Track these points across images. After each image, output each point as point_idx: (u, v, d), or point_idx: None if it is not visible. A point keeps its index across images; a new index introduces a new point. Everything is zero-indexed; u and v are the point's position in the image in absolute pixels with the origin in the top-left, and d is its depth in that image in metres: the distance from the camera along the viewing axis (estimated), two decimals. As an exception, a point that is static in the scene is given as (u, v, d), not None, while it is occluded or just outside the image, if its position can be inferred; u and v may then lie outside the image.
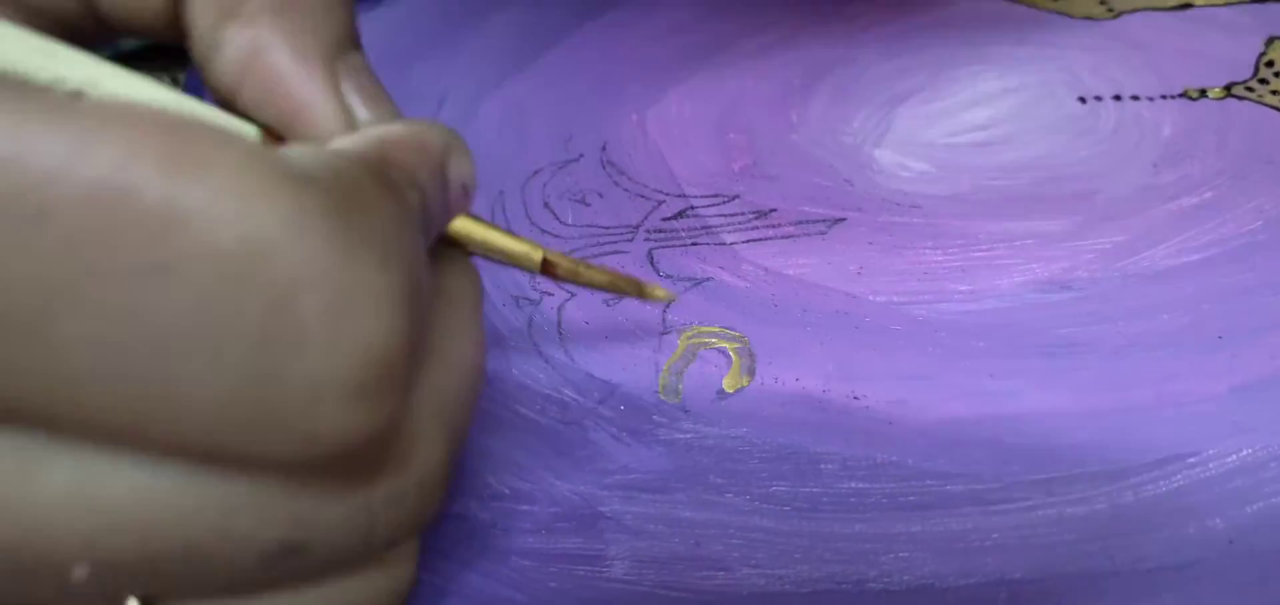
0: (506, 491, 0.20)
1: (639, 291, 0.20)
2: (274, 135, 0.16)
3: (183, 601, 0.12)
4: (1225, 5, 0.30)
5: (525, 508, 0.19)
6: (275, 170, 0.10)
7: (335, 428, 0.11)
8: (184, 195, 0.10)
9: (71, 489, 0.11)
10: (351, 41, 0.17)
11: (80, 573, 0.11)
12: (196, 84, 0.29)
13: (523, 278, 0.24)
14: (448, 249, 0.16)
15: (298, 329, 0.10)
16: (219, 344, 0.10)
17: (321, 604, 0.13)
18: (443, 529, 0.19)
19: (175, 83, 0.33)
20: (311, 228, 0.10)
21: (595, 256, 0.25)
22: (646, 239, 0.25)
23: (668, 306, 0.23)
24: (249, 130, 0.14)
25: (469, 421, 0.15)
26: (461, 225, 0.17)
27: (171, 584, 0.12)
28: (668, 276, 0.24)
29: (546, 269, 0.18)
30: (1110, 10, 0.31)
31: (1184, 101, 0.27)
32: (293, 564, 0.12)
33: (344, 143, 0.14)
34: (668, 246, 0.25)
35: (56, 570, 0.11)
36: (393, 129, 0.15)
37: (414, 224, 0.13)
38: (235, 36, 0.16)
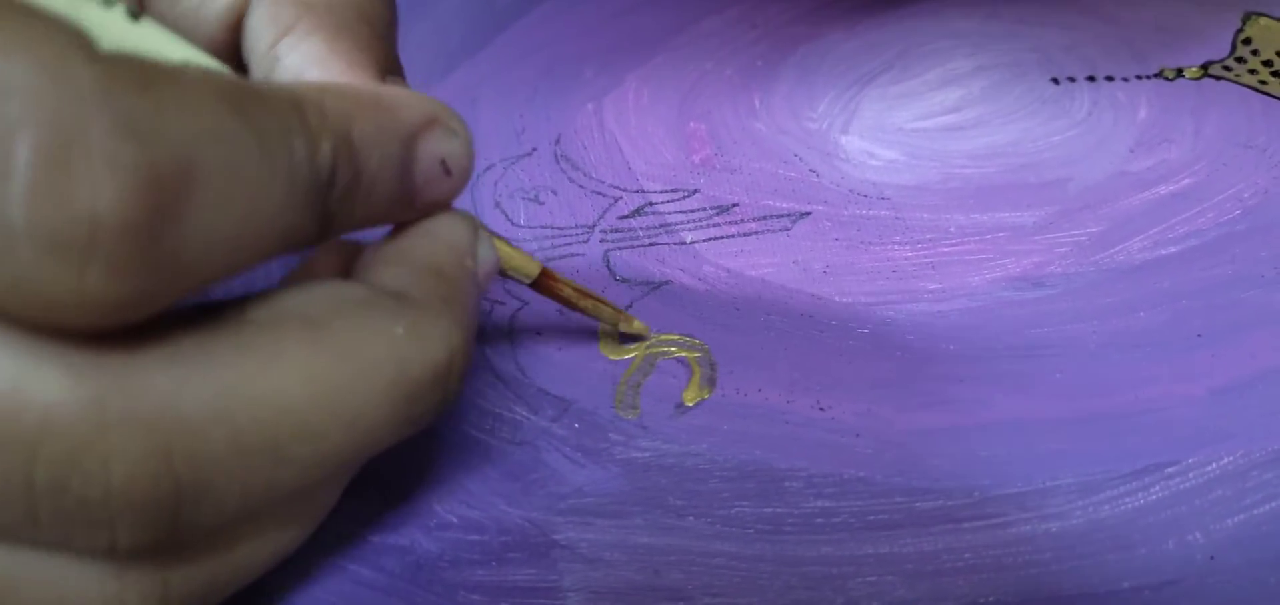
0: (454, 520, 0.19)
1: (618, 321, 0.20)
2: None
3: None
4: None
5: (474, 537, 0.18)
6: (61, 34, 0.11)
7: (30, 280, 0.11)
8: None
9: None
10: (396, 66, 0.18)
11: None
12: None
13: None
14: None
15: (5, 164, 0.10)
16: None
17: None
18: (385, 562, 0.18)
19: None
20: (60, 83, 0.10)
21: (551, 261, 0.23)
22: (603, 240, 0.24)
23: (627, 308, 0.22)
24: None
25: (270, 494, 0.13)
26: None
27: None
28: (624, 280, 0.23)
29: (540, 283, 0.19)
30: (1083, -17, 0.29)
31: (1160, 82, 0.26)
32: None
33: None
34: (624, 247, 0.24)
35: None
36: (356, 86, 0.15)
37: (277, 164, 0.12)
38: (291, 53, 0.16)
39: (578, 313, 0.20)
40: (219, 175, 0.12)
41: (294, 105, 0.13)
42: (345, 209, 0.14)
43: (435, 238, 0.16)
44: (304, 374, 0.13)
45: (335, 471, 0.14)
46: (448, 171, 0.16)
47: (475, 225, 0.17)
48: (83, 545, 0.12)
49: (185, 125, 0.11)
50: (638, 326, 0.21)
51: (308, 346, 0.13)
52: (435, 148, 0.15)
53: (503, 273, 0.18)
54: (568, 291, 0.19)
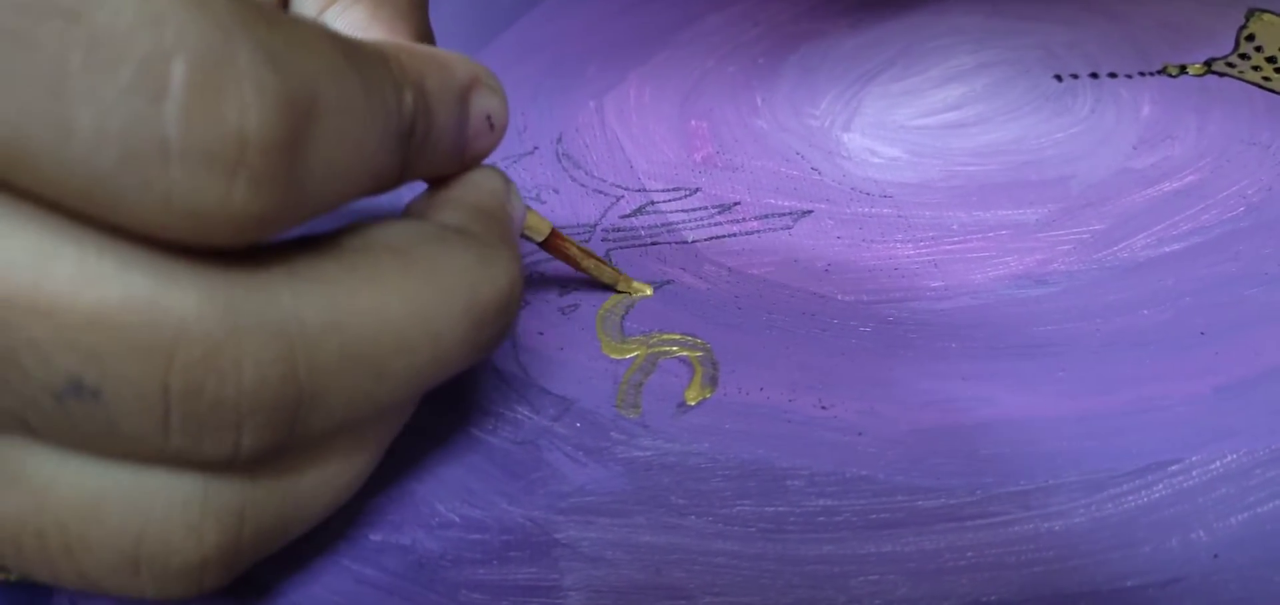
0: (457, 519, 0.19)
1: (619, 283, 0.22)
2: None
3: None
4: (1205, -27, 0.29)
5: (476, 536, 0.18)
6: None
7: (181, 194, 0.11)
8: None
9: None
10: (429, 34, 0.19)
11: None
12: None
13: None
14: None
15: (161, 84, 0.11)
16: (100, 83, 0.11)
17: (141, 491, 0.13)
18: (387, 561, 0.18)
19: None
20: (206, 13, 0.11)
21: (548, 259, 0.23)
22: (604, 239, 0.24)
23: (629, 308, 0.22)
24: None
25: (370, 406, 0.14)
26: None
27: None
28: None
29: (549, 242, 0.20)
30: (1086, -20, 0.29)
31: (1163, 79, 0.26)
32: (87, 412, 0.12)
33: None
34: (626, 246, 0.24)
35: None
36: (420, 46, 0.16)
37: (377, 107, 0.14)
38: (337, 21, 0.18)
39: (583, 274, 0.21)
40: (336, 109, 0.13)
41: (382, 57, 0.14)
42: (419, 155, 0.15)
43: (480, 186, 0.18)
44: (400, 293, 0.14)
45: (415, 392, 0.15)
46: (491, 126, 0.17)
47: (507, 178, 0.18)
48: (209, 451, 0.13)
49: (310, 60, 0.12)
50: (638, 287, 0.22)
51: (400, 270, 0.14)
52: (483, 104, 0.17)
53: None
54: (574, 252, 0.21)
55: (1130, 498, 0.18)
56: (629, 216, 0.24)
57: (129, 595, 0.14)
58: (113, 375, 0.12)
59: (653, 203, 0.25)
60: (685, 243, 0.23)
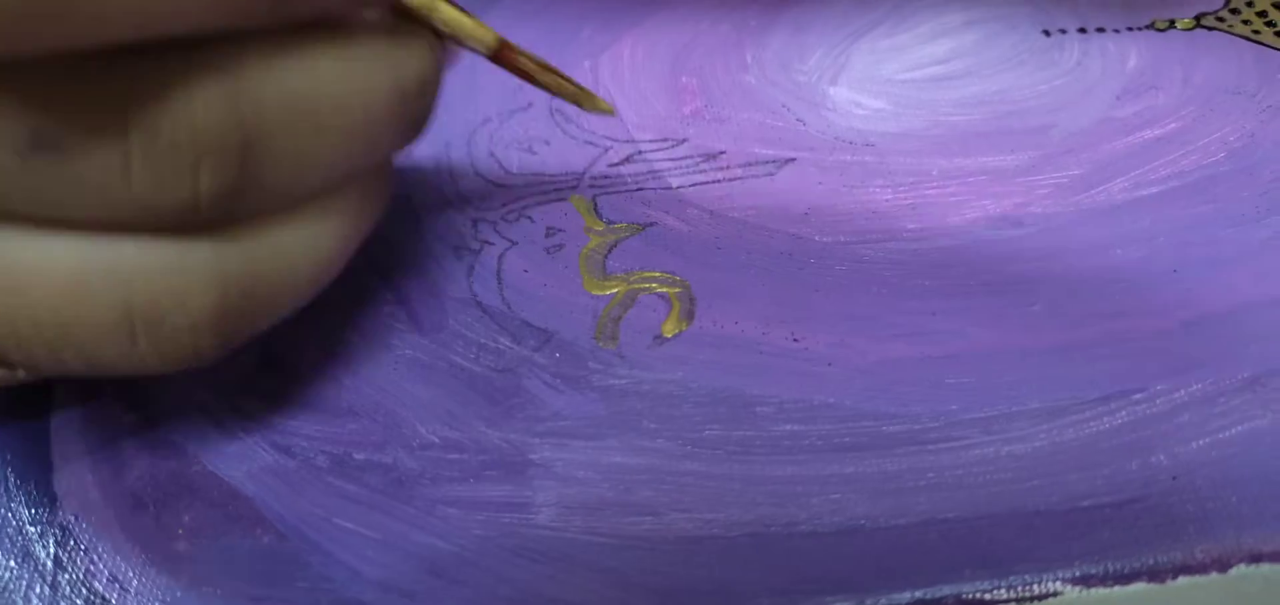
0: (436, 441, 0.19)
1: (581, 99, 0.21)
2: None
3: None
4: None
5: (454, 456, 0.19)
6: None
7: None
8: None
9: None
10: None
11: None
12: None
13: (466, 228, 0.24)
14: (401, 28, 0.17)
15: None
16: None
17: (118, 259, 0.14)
18: (369, 478, 0.19)
19: None
20: None
21: (536, 204, 0.24)
22: (591, 187, 0.24)
23: (612, 248, 0.23)
24: None
25: (316, 164, 0.16)
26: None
27: None
28: (610, 222, 0.23)
29: (499, 56, 0.19)
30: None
31: (1151, 33, 0.26)
32: (51, 166, 0.13)
33: None
34: (612, 192, 0.24)
35: None
36: None
37: None
38: None
39: (541, 88, 0.21)
40: None
41: None
42: None
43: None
44: (332, 59, 0.16)
45: (353, 156, 0.17)
46: None
47: None
48: (171, 196, 0.14)
49: None
50: (602, 104, 0.21)
51: (331, 43, 0.16)
52: None
53: (459, 43, 0.19)
54: (528, 64, 0.20)
55: (1092, 423, 0.18)
56: (616, 165, 0.25)
57: (135, 369, 0.15)
58: (75, 125, 0.13)
59: (640, 152, 0.25)
60: (669, 188, 0.24)
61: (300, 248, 0.17)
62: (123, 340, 0.15)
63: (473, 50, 0.19)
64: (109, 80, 0.13)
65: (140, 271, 0.14)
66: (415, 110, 0.18)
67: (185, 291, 0.15)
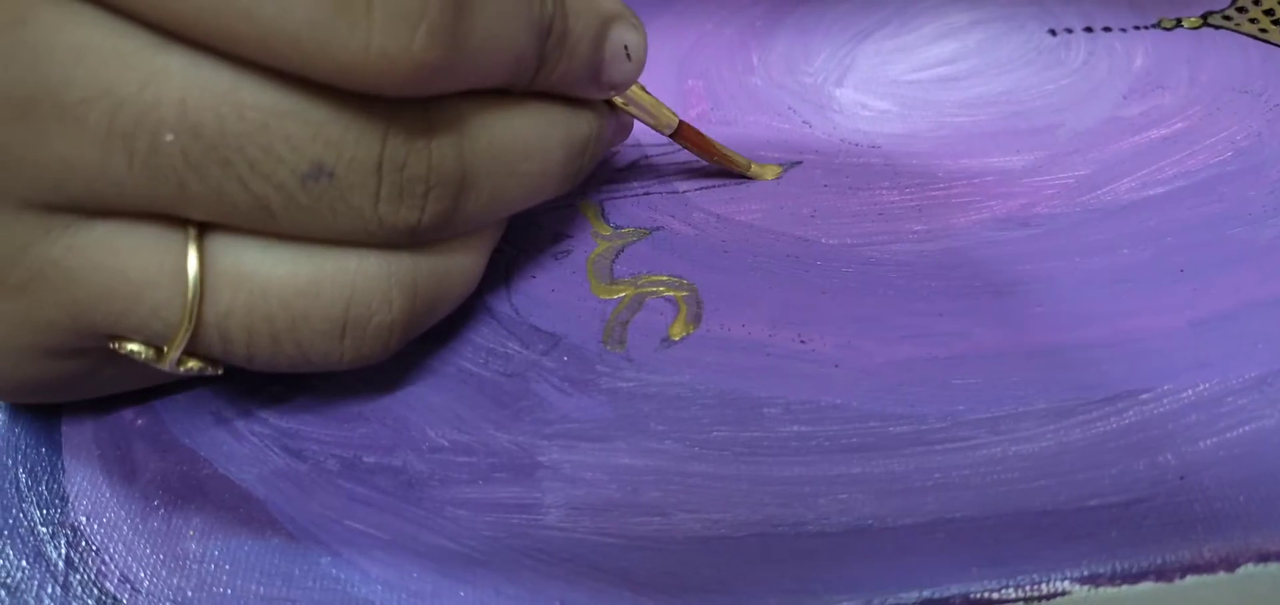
0: (446, 443, 0.19)
1: (747, 170, 0.24)
2: None
3: (237, 227, 0.16)
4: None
5: (463, 459, 0.19)
6: None
7: (375, 42, 0.14)
8: None
9: (183, 69, 0.14)
10: None
11: (169, 138, 0.14)
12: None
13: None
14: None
15: None
16: None
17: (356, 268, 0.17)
18: (379, 480, 0.19)
19: None
20: None
21: (543, 210, 0.24)
22: (599, 191, 0.24)
23: (619, 252, 0.23)
24: None
25: (501, 202, 0.19)
26: None
27: (228, 184, 0.15)
28: (617, 226, 0.23)
29: (679, 135, 0.23)
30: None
31: (1158, 32, 0.26)
32: (324, 191, 0.16)
33: None
34: (619, 197, 0.24)
35: (151, 133, 0.14)
36: None
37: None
38: None
39: (714, 162, 0.24)
40: None
41: None
42: (553, 57, 0.18)
43: None
44: (525, 117, 0.19)
45: (529, 198, 0.20)
46: (628, 56, 0.20)
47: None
48: (403, 219, 0.17)
49: None
50: (770, 170, 0.24)
51: (523, 105, 0.19)
52: (622, 34, 0.20)
53: (648, 121, 0.22)
54: (704, 142, 0.23)
55: (1099, 424, 0.18)
56: (623, 169, 0.25)
57: (329, 364, 0.18)
58: (345, 159, 0.16)
59: (646, 157, 0.25)
60: (676, 192, 0.24)
61: (462, 265, 0.19)
62: (334, 336, 0.17)
63: (656, 128, 0.22)
64: (374, 124, 0.16)
65: (361, 278, 0.17)
66: (579, 165, 0.20)
67: (391, 296, 0.17)
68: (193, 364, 0.17)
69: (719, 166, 0.24)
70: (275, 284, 0.16)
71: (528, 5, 0.17)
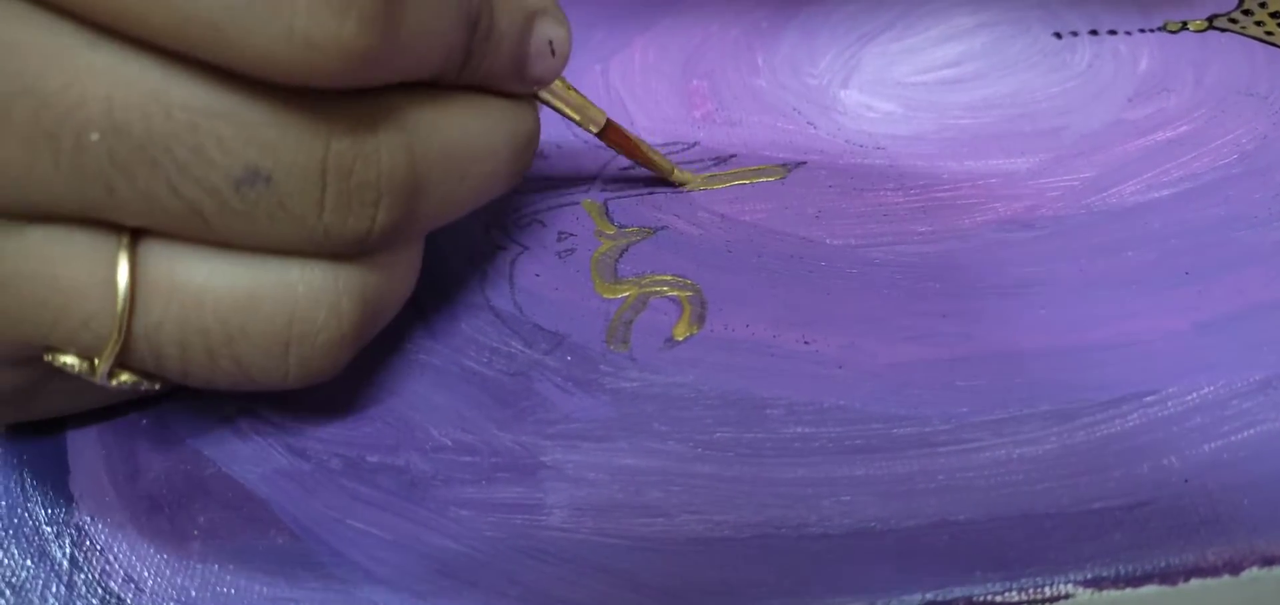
0: (449, 443, 0.19)
1: (668, 175, 0.24)
2: None
3: (170, 233, 0.15)
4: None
5: (466, 459, 0.19)
6: None
7: (302, 29, 0.13)
8: None
9: (109, 67, 0.14)
10: None
11: (95, 137, 0.14)
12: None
13: (478, 237, 0.24)
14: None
15: None
16: None
17: (290, 281, 0.16)
18: (382, 480, 0.19)
19: None
20: None
21: (547, 209, 0.24)
22: (602, 190, 0.24)
23: (623, 252, 0.23)
24: None
25: (452, 206, 0.18)
26: None
27: (157, 187, 0.14)
28: (621, 225, 0.23)
29: (605, 134, 0.22)
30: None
31: (1164, 35, 0.26)
32: (259, 197, 0.15)
33: None
34: (624, 195, 0.24)
35: (76, 132, 0.14)
36: None
37: None
38: None
39: (638, 162, 0.24)
40: None
41: None
42: (479, 51, 0.18)
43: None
44: (474, 117, 0.18)
45: (476, 200, 0.19)
46: (552, 52, 0.20)
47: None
48: (352, 229, 0.16)
49: None
50: (694, 179, 0.24)
51: (470, 105, 0.18)
52: (546, 30, 0.19)
53: (576, 120, 0.22)
54: (631, 141, 0.23)
55: (1103, 426, 0.18)
56: (627, 168, 0.25)
57: (274, 382, 0.17)
58: (283, 163, 0.15)
59: (650, 156, 0.25)
60: (680, 192, 0.24)
61: (404, 269, 0.18)
62: (277, 352, 0.16)
63: (583, 127, 0.22)
64: (314, 126, 0.15)
65: (305, 290, 0.16)
66: (522, 162, 0.20)
67: (339, 308, 0.17)
68: (126, 377, 0.16)
69: (646, 166, 0.24)
70: (211, 295, 0.16)
71: None
